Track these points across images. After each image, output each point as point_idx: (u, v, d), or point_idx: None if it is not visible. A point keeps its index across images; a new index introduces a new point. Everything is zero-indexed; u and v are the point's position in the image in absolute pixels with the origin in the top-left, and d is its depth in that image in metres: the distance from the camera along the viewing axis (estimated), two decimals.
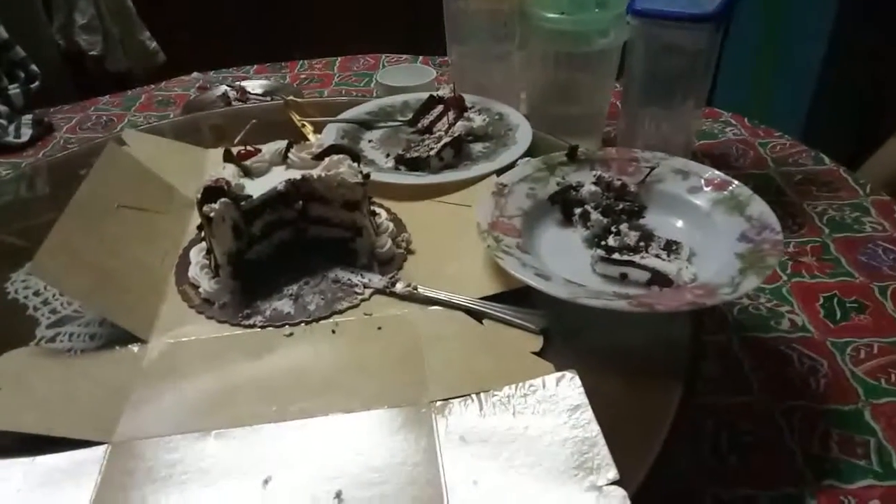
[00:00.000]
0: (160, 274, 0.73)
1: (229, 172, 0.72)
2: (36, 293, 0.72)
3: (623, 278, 0.70)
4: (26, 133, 1.31)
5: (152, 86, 1.57)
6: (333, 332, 0.66)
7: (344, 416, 0.57)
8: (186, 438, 0.55)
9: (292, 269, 0.74)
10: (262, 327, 0.67)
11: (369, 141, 1.00)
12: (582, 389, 0.57)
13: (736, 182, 0.77)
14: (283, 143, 0.75)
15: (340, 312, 0.68)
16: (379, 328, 0.66)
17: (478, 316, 0.67)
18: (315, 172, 0.71)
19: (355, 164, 0.73)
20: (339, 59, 1.65)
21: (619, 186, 0.79)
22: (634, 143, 1.01)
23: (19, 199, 0.90)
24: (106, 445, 0.54)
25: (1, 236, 0.81)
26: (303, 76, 1.58)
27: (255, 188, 0.71)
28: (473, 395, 0.58)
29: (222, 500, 0.50)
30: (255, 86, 1.47)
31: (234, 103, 1.33)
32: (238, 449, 0.54)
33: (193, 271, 0.72)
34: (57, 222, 0.66)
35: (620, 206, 0.77)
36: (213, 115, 1.14)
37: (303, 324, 0.67)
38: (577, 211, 0.77)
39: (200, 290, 0.70)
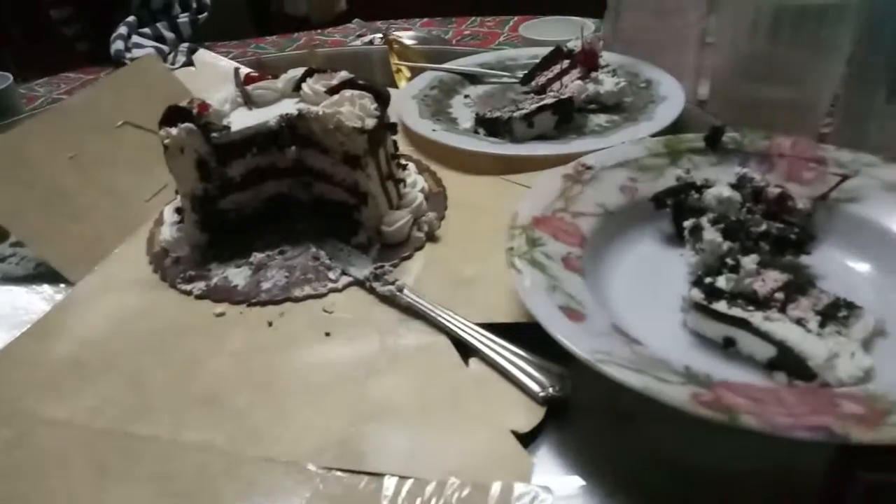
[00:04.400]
0: (141, 210, 0.61)
1: (221, 97, 0.56)
2: None
3: (728, 346, 0.41)
4: (180, 60, 1.31)
5: (318, 31, 1.52)
6: (270, 324, 0.48)
7: (200, 450, 0.38)
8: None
9: (279, 231, 0.56)
10: (197, 297, 0.51)
11: (466, 96, 0.79)
12: None
13: None
14: (301, 70, 0.58)
15: (295, 300, 0.49)
16: (327, 334, 0.46)
17: (468, 350, 0.44)
18: (315, 109, 0.53)
19: (373, 107, 0.53)
20: (515, 18, 1.45)
21: (777, 197, 0.49)
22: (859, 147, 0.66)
23: None
24: None
25: None
26: (467, 32, 1.41)
27: (247, 120, 0.55)
28: (378, 478, 0.35)
29: None
30: (407, 36, 1.34)
31: None
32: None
33: (167, 214, 0.58)
34: (20, 125, 0.56)
35: (766, 227, 0.47)
36: (314, 54, 1.01)
37: (244, 305, 0.49)
38: (688, 224, 0.48)
39: (160, 237, 0.56)
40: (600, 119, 0.71)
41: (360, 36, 1.49)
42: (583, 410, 0.40)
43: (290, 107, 0.56)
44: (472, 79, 0.82)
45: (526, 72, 0.79)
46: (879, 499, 0.35)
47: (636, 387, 0.34)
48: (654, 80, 0.75)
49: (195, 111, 0.52)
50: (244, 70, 0.59)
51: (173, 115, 0.51)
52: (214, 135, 0.53)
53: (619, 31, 0.84)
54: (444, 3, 1.67)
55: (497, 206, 0.53)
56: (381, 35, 1.35)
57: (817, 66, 0.75)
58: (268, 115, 0.55)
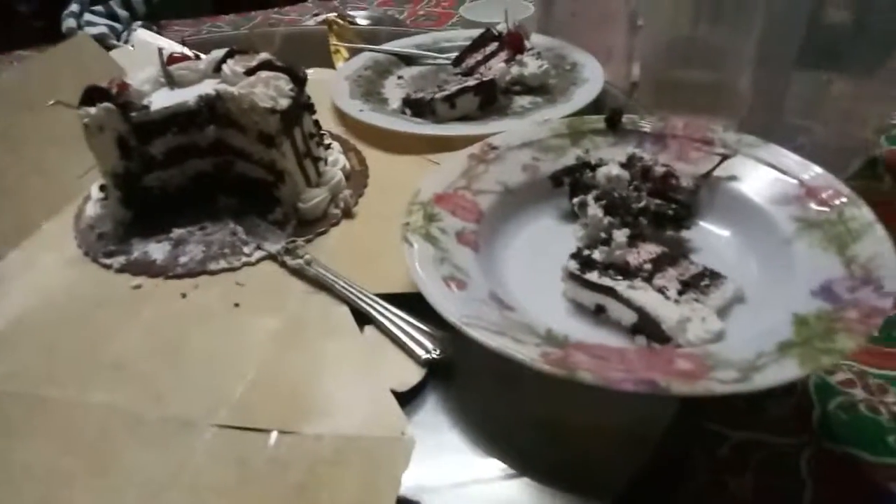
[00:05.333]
0: (73, 187, 0.63)
1: (143, 77, 0.58)
2: None
3: (599, 312, 0.45)
4: (133, 39, 1.31)
5: (274, 9, 1.52)
6: (184, 296, 0.50)
7: (104, 410, 0.41)
8: None
9: (201, 207, 0.59)
10: (117, 271, 0.53)
11: (399, 77, 0.81)
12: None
13: (853, 197, 0.46)
14: (223, 51, 0.60)
15: (211, 273, 0.52)
16: (236, 305, 0.49)
17: (366, 318, 0.47)
18: (231, 90, 0.55)
19: (288, 88, 0.55)
20: None
21: (663, 175, 0.52)
22: (773, 125, 0.69)
23: None
24: None
25: None
26: (421, 12, 1.42)
27: (168, 99, 0.57)
28: (265, 434, 0.39)
29: None
30: (361, 15, 1.35)
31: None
32: None
33: (94, 190, 0.60)
34: None
35: (645, 203, 0.50)
36: (259, 34, 1.02)
37: (160, 278, 0.52)
38: (576, 201, 0.52)
39: (86, 213, 0.58)
40: (524, 101, 0.74)
41: (315, 15, 1.49)
42: (466, 373, 0.44)
43: (210, 87, 0.58)
44: (408, 60, 0.84)
45: (458, 53, 0.81)
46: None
47: (493, 347, 0.37)
48: (579, 63, 0.78)
49: (114, 91, 0.54)
50: (170, 50, 0.61)
51: (92, 95, 0.53)
52: (133, 114, 0.55)
53: (551, 14, 0.86)
54: None
55: (414, 184, 0.56)
56: (335, 14, 1.36)
57: (736, 49, 0.78)
58: (188, 96, 0.57)
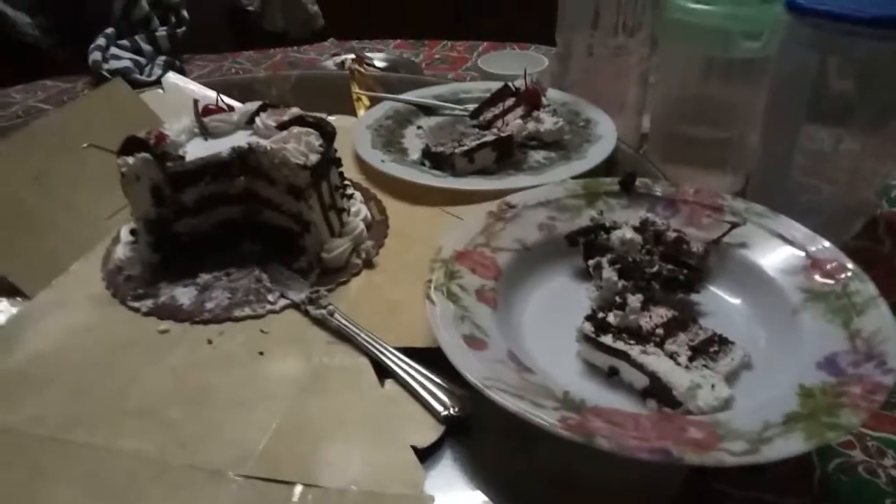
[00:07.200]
0: (101, 227, 0.65)
1: (179, 127, 0.61)
2: None
3: (612, 374, 0.46)
4: (156, 73, 1.34)
5: (294, 47, 1.56)
6: (210, 342, 0.52)
7: (131, 457, 0.42)
8: None
9: (227, 254, 0.61)
10: (145, 314, 0.55)
11: (418, 127, 0.84)
12: None
13: (857, 271, 0.48)
14: (256, 105, 0.62)
15: (235, 320, 0.54)
16: (261, 353, 0.51)
17: (386, 372, 0.49)
18: (264, 143, 0.57)
19: (318, 143, 0.57)
20: (485, 44, 1.50)
21: (674, 240, 0.54)
22: (780, 183, 0.71)
23: None
24: None
25: None
26: (437, 56, 1.46)
27: (202, 150, 0.60)
28: (289, 486, 0.40)
29: None
30: (379, 57, 1.39)
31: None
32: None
33: (123, 233, 0.62)
34: None
35: (658, 268, 0.52)
36: (278, 77, 1.06)
37: (187, 322, 0.54)
38: (591, 263, 0.54)
39: (115, 255, 0.60)
40: (539, 155, 0.76)
41: (334, 55, 1.54)
42: (486, 431, 0.45)
43: (242, 139, 0.60)
44: (427, 110, 0.87)
45: (476, 106, 0.84)
46: None
47: (513, 410, 0.39)
48: (593, 120, 0.81)
49: (152, 141, 0.57)
50: (203, 101, 0.63)
51: (131, 145, 0.56)
52: (169, 164, 0.57)
53: (567, 70, 0.90)
54: (421, 22, 1.71)
55: (432, 236, 0.58)
56: (353, 56, 1.40)
57: (744, 109, 0.81)
58: (221, 147, 0.60)
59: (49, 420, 0.46)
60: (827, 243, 0.51)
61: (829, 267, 0.49)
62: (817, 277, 0.49)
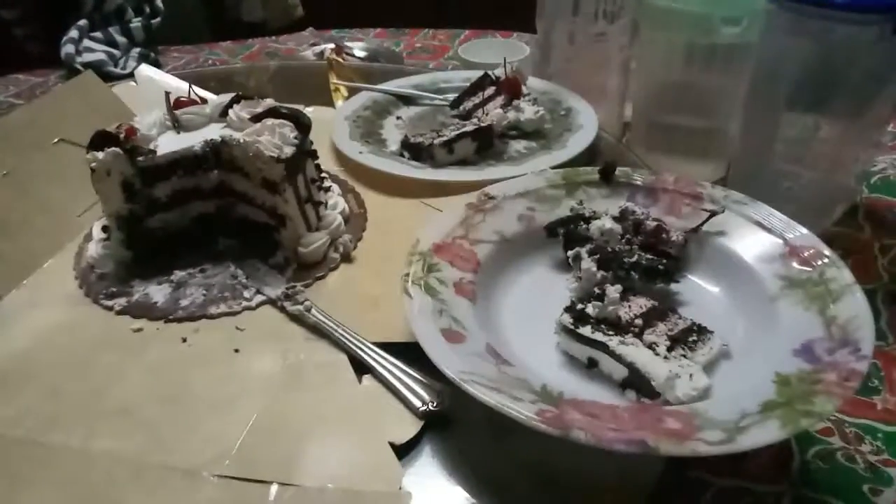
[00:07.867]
0: (73, 225, 0.64)
1: (150, 120, 0.59)
2: None
3: (591, 366, 0.46)
4: (130, 66, 1.32)
5: (272, 38, 1.54)
6: (185, 340, 0.51)
7: (108, 458, 0.42)
8: None
9: (202, 249, 0.60)
10: (118, 313, 0.54)
11: (397, 118, 0.83)
12: None
13: (833, 258, 0.48)
14: (229, 97, 0.61)
15: (211, 318, 0.53)
16: (236, 351, 0.50)
17: (364, 367, 0.48)
18: (237, 136, 0.56)
19: (293, 135, 0.57)
20: (466, 31, 1.49)
21: (654, 230, 0.54)
22: (761, 169, 0.71)
23: None
24: None
25: None
26: (418, 45, 1.44)
27: (174, 144, 0.58)
28: (266, 485, 0.40)
29: None
30: (359, 47, 1.37)
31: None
32: None
33: (95, 230, 0.61)
34: None
35: (637, 258, 0.52)
36: (257, 68, 1.04)
37: (161, 321, 0.53)
38: (570, 253, 0.53)
39: (87, 253, 0.59)
40: (519, 145, 0.76)
41: (313, 45, 1.52)
42: (465, 425, 0.45)
43: (215, 132, 0.59)
44: (406, 100, 0.86)
45: (457, 95, 0.83)
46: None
47: (490, 404, 0.38)
48: (574, 109, 0.80)
49: (122, 135, 0.56)
50: (176, 93, 0.62)
51: (100, 140, 0.55)
52: (140, 158, 0.56)
53: (548, 59, 0.89)
54: (402, 10, 1.69)
55: (411, 228, 0.57)
56: (332, 46, 1.38)
57: (725, 97, 0.81)
58: (194, 140, 0.58)
59: (25, 422, 0.45)
60: (805, 230, 0.51)
61: (806, 254, 0.49)
62: (795, 265, 0.49)
